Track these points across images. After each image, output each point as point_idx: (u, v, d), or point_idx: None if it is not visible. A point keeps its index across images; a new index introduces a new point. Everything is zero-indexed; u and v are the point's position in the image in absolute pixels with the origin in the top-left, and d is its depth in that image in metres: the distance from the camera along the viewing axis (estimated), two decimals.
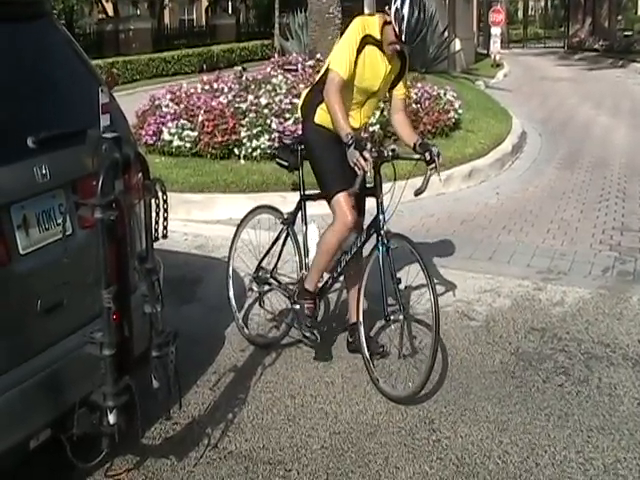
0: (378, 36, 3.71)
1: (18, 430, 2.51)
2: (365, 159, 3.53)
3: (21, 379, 2.53)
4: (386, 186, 3.89)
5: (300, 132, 4.34)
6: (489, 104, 12.74)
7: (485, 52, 26.73)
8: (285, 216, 4.19)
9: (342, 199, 3.75)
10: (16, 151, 2.58)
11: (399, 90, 3.97)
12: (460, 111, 9.52)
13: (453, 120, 9.17)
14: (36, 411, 2.55)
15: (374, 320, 4.24)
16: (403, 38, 3.59)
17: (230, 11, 40.45)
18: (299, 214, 4.15)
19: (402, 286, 3.85)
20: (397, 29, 3.57)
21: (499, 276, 5.33)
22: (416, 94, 8.96)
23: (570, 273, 5.43)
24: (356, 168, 3.56)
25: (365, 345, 3.84)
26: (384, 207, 3.81)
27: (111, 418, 2.55)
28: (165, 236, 2.73)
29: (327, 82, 3.70)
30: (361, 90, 3.81)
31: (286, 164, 4.11)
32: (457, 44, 20.45)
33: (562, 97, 16.34)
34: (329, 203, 3.86)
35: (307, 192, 4.13)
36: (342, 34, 3.92)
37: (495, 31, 23.79)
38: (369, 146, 3.66)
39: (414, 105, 8.65)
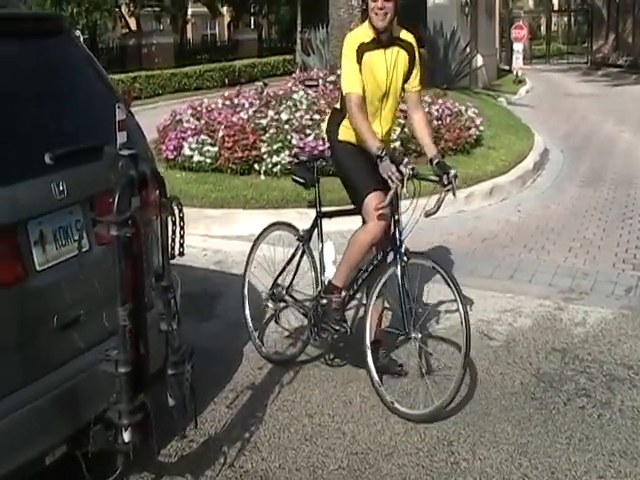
0: (370, 37, 3.77)
1: (34, 445, 2.51)
2: (401, 173, 3.51)
3: (37, 395, 2.53)
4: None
5: (320, 148, 4.33)
6: (511, 121, 12.67)
7: (508, 68, 26.65)
8: (301, 233, 4.18)
9: (373, 199, 3.73)
10: (33, 167, 2.59)
11: (411, 83, 3.95)
12: (481, 128, 9.48)
13: (474, 137, 9.12)
14: (52, 427, 2.55)
15: (394, 338, 4.21)
16: None
17: (252, 26, 40.71)
18: (315, 231, 4.13)
19: (424, 304, 3.83)
20: None
21: (520, 295, 5.27)
22: (437, 110, 8.94)
23: (592, 293, 5.36)
24: (390, 181, 3.55)
25: (373, 368, 3.82)
26: (402, 224, 3.77)
27: (126, 436, 2.55)
28: (182, 254, 2.72)
29: (348, 106, 3.75)
30: (372, 96, 3.83)
31: (302, 181, 4.12)
32: (479, 60, 20.41)
33: (585, 113, 16.22)
34: (361, 209, 3.84)
35: (323, 209, 4.12)
36: None
37: (517, 47, 23.73)
38: (405, 160, 3.66)
39: (435, 122, 8.62)
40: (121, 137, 2.51)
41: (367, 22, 3.80)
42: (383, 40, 3.77)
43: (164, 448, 3.40)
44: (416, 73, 3.95)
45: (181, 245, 2.67)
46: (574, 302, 5.15)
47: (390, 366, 4.04)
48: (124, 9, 30.55)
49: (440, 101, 9.41)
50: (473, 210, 7.67)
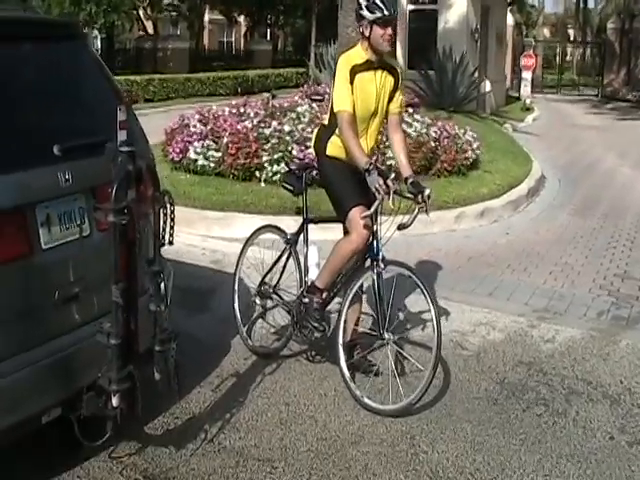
0: (363, 59, 4.05)
1: (33, 402, 2.84)
2: (388, 186, 3.81)
3: (37, 359, 2.85)
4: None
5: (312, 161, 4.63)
6: (511, 147, 13.00)
7: (518, 95, 27.03)
8: (288, 236, 4.50)
9: (357, 213, 4.02)
10: (43, 157, 2.94)
11: (394, 104, 4.25)
12: (478, 151, 9.80)
13: (471, 160, 9.44)
14: (48, 388, 2.89)
15: (370, 340, 4.51)
16: (387, 11, 3.93)
17: (268, 37, 41.23)
18: (301, 236, 4.45)
19: (399, 309, 4.13)
20: (380, 12, 3.93)
21: (496, 311, 5.57)
22: (435, 132, 9.26)
23: (565, 314, 5.66)
24: (377, 193, 3.82)
25: (344, 365, 4.13)
26: (379, 235, 4.07)
27: (114, 401, 2.86)
28: (171, 242, 3.02)
29: (339, 122, 4.04)
30: (361, 115, 4.12)
31: (291, 188, 4.43)
32: (487, 85, 20.80)
33: (588, 145, 16.52)
34: (345, 220, 4.14)
35: (309, 216, 4.43)
36: None
37: (526, 75, 24.14)
38: (392, 176, 3.96)
39: (432, 143, 8.95)
40: (121, 135, 2.83)
41: (360, 45, 4.10)
42: (375, 63, 4.09)
43: (151, 422, 3.73)
44: (398, 96, 4.26)
45: (171, 235, 2.97)
46: (547, 321, 5.44)
47: (364, 365, 4.34)
48: (142, 12, 31.07)
49: (439, 123, 9.73)
50: (463, 229, 7.99)
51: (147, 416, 3.70)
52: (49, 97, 3.17)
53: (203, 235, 7.07)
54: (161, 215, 2.96)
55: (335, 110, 4.08)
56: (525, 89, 24.12)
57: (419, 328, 4.94)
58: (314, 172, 4.39)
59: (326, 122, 4.28)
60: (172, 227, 2.96)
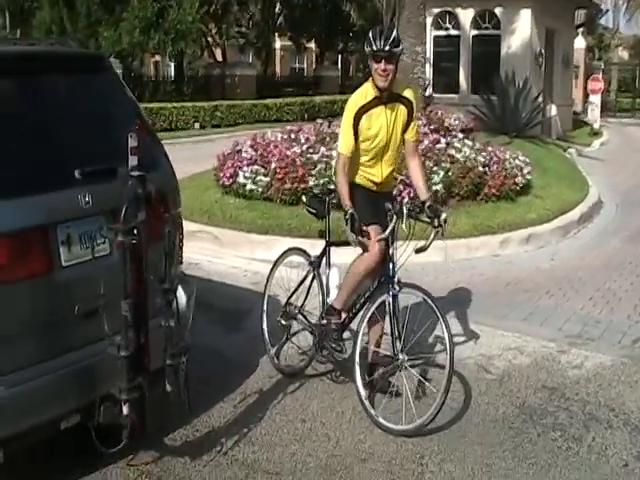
0: (371, 96, 4.20)
1: (52, 408, 3.11)
2: (401, 212, 4.03)
3: (58, 368, 3.10)
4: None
5: None
6: (569, 172, 12.87)
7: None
8: (312, 259, 4.67)
9: (371, 232, 4.18)
10: (65, 180, 3.21)
11: (409, 134, 4.40)
12: (529, 176, 9.77)
13: (520, 185, 9.42)
14: (67, 395, 3.14)
15: (387, 361, 4.62)
16: (375, 46, 4.07)
17: (339, 62, 41.77)
18: (324, 258, 4.61)
19: (414, 331, 4.24)
20: (370, 46, 4.08)
21: (527, 336, 5.59)
22: (484, 157, 9.30)
23: (599, 340, 5.63)
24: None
25: (360, 383, 4.24)
26: (395, 257, 4.20)
27: (125, 409, 3.07)
28: (180, 262, 3.24)
29: (335, 162, 4.29)
30: (373, 148, 4.30)
31: (315, 212, 4.62)
32: (553, 110, 20.57)
33: None
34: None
35: (332, 239, 4.60)
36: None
37: (593, 99, 23.76)
38: (405, 201, 4.12)
39: (480, 168, 9.00)
40: (132, 161, 3.06)
41: (370, 82, 4.26)
42: (384, 97, 4.24)
43: (172, 433, 3.95)
44: (413, 126, 4.41)
45: (179, 255, 3.18)
46: (577, 347, 5.43)
47: (381, 385, 4.45)
48: (210, 39, 31.98)
49: (490, 148, 9.76)
50: (507, 255, 8.01)
51: (168, 428, 3.93)
52: (75, 124, 3.46)
53: (247, 258, 7.32)
54: (172, 236, 3.17)
55: (337, 150, 4.34)
56: (593, 113, 23.72)
57: (436, 350, 5.02)
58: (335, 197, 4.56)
59: None
60: (180, 247, 3.16)
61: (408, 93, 4.37)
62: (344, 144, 4.26)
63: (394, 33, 4.18)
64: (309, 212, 4.73)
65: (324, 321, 4.44)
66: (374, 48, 4.09)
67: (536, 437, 4.11)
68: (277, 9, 35.83)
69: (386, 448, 3.93)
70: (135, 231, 2.97)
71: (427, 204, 4.23)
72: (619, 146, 21.57)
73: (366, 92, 4.26)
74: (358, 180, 4.34)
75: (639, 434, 4.17)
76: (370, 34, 4.15)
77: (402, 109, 4.31)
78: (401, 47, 4.18)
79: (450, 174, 8.65)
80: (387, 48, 4.08)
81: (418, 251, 4.12)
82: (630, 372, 5.02)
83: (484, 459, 3.85)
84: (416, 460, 3.82)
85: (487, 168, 9.17)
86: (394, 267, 4.20)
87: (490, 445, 3.99)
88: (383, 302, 4.23)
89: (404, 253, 4.19)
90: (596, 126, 23.54)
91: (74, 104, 3.52)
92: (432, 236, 4.15)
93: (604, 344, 5.56)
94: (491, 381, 4.82)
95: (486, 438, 4.07)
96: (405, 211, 4.04)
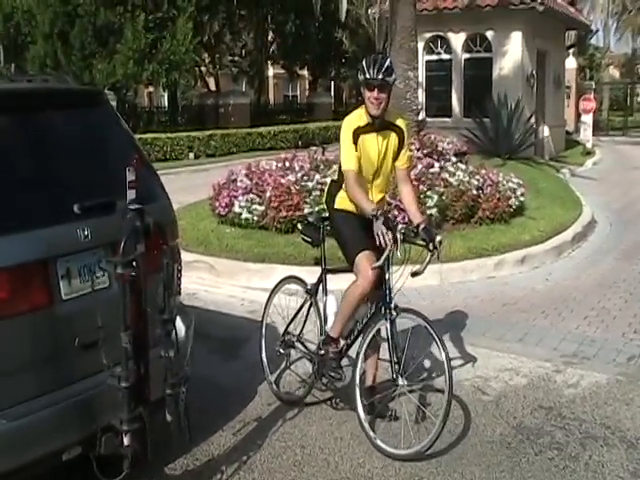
0: (365, 121, 4.29)
1: (54, 440, 3.15)
2: (395, 238, 4.02)
3: (59, 400, 3.16)
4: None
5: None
6: (562, 192, 12.97)
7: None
8: (308, 287, 4.73)
9: (363, 258, 4.25)
10: (64, 215, 3.28)
11: (400, 161, 4.48)
12: (522, 198, 9.87)
13: (514, 207, 9.52)
14: (68, 427, 3.18)
15: (387, 385, 4.67)
16: (368, 74, 4.15)
17: (332, 89, 42.08)
18: (321, 286, 4.67)
19: (413, 356, 4.29)
20: (363, 75, 4.17)
21: (523, 356, 5.65)
22: (478, 180, 9.40)
23: (594, 359, 5.69)
24: (378, 238, 4.03)
25: (360, 407, 4.27)
26: (391, 282, 4.27)
27: (126, 440, 3.12)
28: (179, 292, 3.30)
29: (345, 180, 4.32)
30: (366, 172, 4.37)
31: (310, 240, 4.69)
32: (545, 131, 20.75)
33: None
34: (352, 266, 4.35)
35: (328, 266, 4.66)
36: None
37: (585, 119, 23.94)
38: (400, 226, 4.19)
39: (474, 191, 9.10)
40: (130, 194, 3.14)
41: (363, 107, 4.35)
42: (376, 125, 4.33)
43: (172, 463, 3.99)
44: (404, 152, 4.49)
45: (178, 285, 3.25)
46: (573, 366, 5.49)
47: (382, 410, 4.49)
48: (204, 69, 32.24)
49: (483, 171, 9.86)
50: (502, 276, 8.08)
51: (168, 457, 3.98)
52: (73, 159, 3.55)
53: (244, 286, 7.39)
54: (171, 267, 3.24)
55: (342, 169, 4.36)
56: (585, 133, 23.89)
57: (434, 375, 5.07)
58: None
59: (336, 177, 4.55)
60: (179, 278, 3.23)
61: (400, 122, 4.46)
62: (348, 160, 4.28)
63: (387, 62, 4.24)
64: (304, 240, 4.80)
65: (322, 351, 4.49)
66: (367, 76, 4.18)
67: (533, 456, 4.15)
68: (270, 37, 36.20)
69: (385, 472, 3.97)
70: (134, 263, 3.04)
71: (421, 227, 4.29)
72: (612, 165, 21.72)
73: (360, 117, 4.35)
74: (350, 207, 4.40)
75: (635, 451, 4.21)
76: (364, 62, 4.22)
77: (393, 137, 4.40)
78: (394, 76, 4.26)
79: (444, 198, 8.75)
80: (380, 77, 4.16)
81: (414, 275, 4.17)
82: (625, 390, 5.07)
83: None
84: None
85: (481, 191, 9.28)
86: (390, 292, 4.26)
87: (488, 466, 4.03)
88: (381, 328, 4.28)
89: (400, 278, 4.24)
90: (589, 145, 23.68)
91: (72, 139, 3.61)
92: (428, 259, 4.21)
93: (599, 362, 5.61)
94: (488, 402, 4.86)
95: (484, 459, 4.11)
96: (399, 237, 4.09)
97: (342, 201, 4.45)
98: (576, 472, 3.99)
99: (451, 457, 4.13)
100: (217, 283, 7.63)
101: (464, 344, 5.79)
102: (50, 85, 3.98)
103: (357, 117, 4.36)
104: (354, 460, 4.10)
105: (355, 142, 4.27)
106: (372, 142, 4.34)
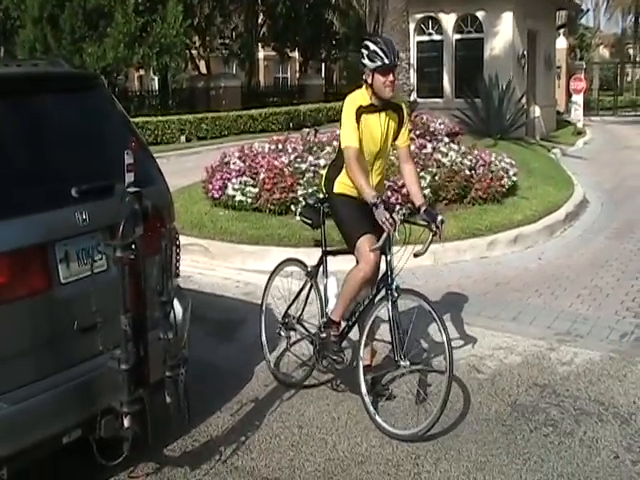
0: (368, 102, 4.29)
1: (54, 423, 3.17)
2: (394, 219, 4.04)
3: (59, 384, 3.17)
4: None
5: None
6: (553, 172, 13.01)
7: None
8: (309, 269, 4.75)
9: (365, 242, 4.27)
10: (62, 199, 3.28)
11: (400, 139, 4.49)
12: (514, 178, 9.90)
13: (506, 187, 9.54)
14: (68, 410, 3.20)
15: (386, 365, 4.71)
16: (387, 60, 4.15)
17: (323, 71, 41.89)
18: (321, 268, 4.69)
19: (414, 337, 4.32)
20: (381, 61, 4.15)
21: (517, 335, 5.69)
22: (470, 161, 9.42)
23: (588, 336, 5.74)
24: (384, 226, 4.06)
25: (363, 384, 4.31)
26: (393, 264, 4.28)
27: (126, 422, 3.15)
28: (177, 275, 3.32)
29: (345, 158, 4.28)
30: (367, 152, 4.36)
31: (310, 222, 4.70)
32: (537, 111, 20.77)
33: (638, 167, 16.31)
34: (354, 250, 4.37)
35: (328, 248, 4.68)
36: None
37: (576, 99, 23.99)
38: (397, 208, 4.20)
39: (467, 171, 9.12)
40: (129, 177, 3.15)
41: (364, 88, 4.34)
42: (379, 105, 4.34)
43: (171, 444, 4.02)
44: (404, 130, 4.48)
45: (177, 268, 3.27)
46: (567, 344, 5.54)
47: (379, 389, 4.53)
48: (194, 52, 32.02)
49: (476, 152, 9.88)
50: (495, 256, 8.12)
51: (167, 439, 4.01)
52: (70, 143, 3.54)
53: (238, 269, 7.40)
54: (169, 250, 3.25)
55: (342, 146, 4.34)
56: (576, 113, 23.95)
57: (436, 356, 5.11)
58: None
59: (334, 160, 4.56)
60: (178, 260, 3.24)
61: (399, 101, 4.50)
62: (349, 137, 4.26)
63: (394, 44, 4.31)
64: (304, 222, 4.81)
65: (323, 334, 4.51)
66: (386, 62, 4.17)
67: (529, 433, 4.20)
68: (260, 20, 35.95)
69: (382, 450, 4.01)
70: (133, 246, 3.05)
71: (423, 208, 4.30)
72: (602, 144, 21.77)
73: (363, 96, 4.33)
74: (349, 191, 4.40)
75: (628, 426, 4.27)
76: (377, 48, 4.17)
77: (394, 116, 4.41)
78: None
79: (437, 178, 8.78)
80: (395, 61, 4.23)
81: (416, 255, 4.20)
82: (618, 366, 5.12)
83: (479, 457, 3.94)
84: (412, 461, 3.91)
85: (473, 171, 9.30)
86: (392, 274, 4.27)
87: (484, 443, 4.08)
88: (383, 309, 4.30)
89: (401, 259, 4.26)
90: (579, 125, 23.78)
91: (70, 123, 3.60)
92: (429, 240, 4.24)
93: (592, 340, 5.67)
94: (483, 380, 4.91)
95: (480, 436, 4.16)
96: (398, 220, 4.10)
97: (341, 186, 4.44)
98: (571, 448, 4.04)
99: (447, 435, 4.17)
100: (212, 266, 7.64)
101: (459, 323, 5.82)
102: (46, 69, 3.96)
103: (360, 96, 4.34)
104: (351, 439, 4.13)
105: (357, 121, 4.27)
106: (375, 122, 4.33)
